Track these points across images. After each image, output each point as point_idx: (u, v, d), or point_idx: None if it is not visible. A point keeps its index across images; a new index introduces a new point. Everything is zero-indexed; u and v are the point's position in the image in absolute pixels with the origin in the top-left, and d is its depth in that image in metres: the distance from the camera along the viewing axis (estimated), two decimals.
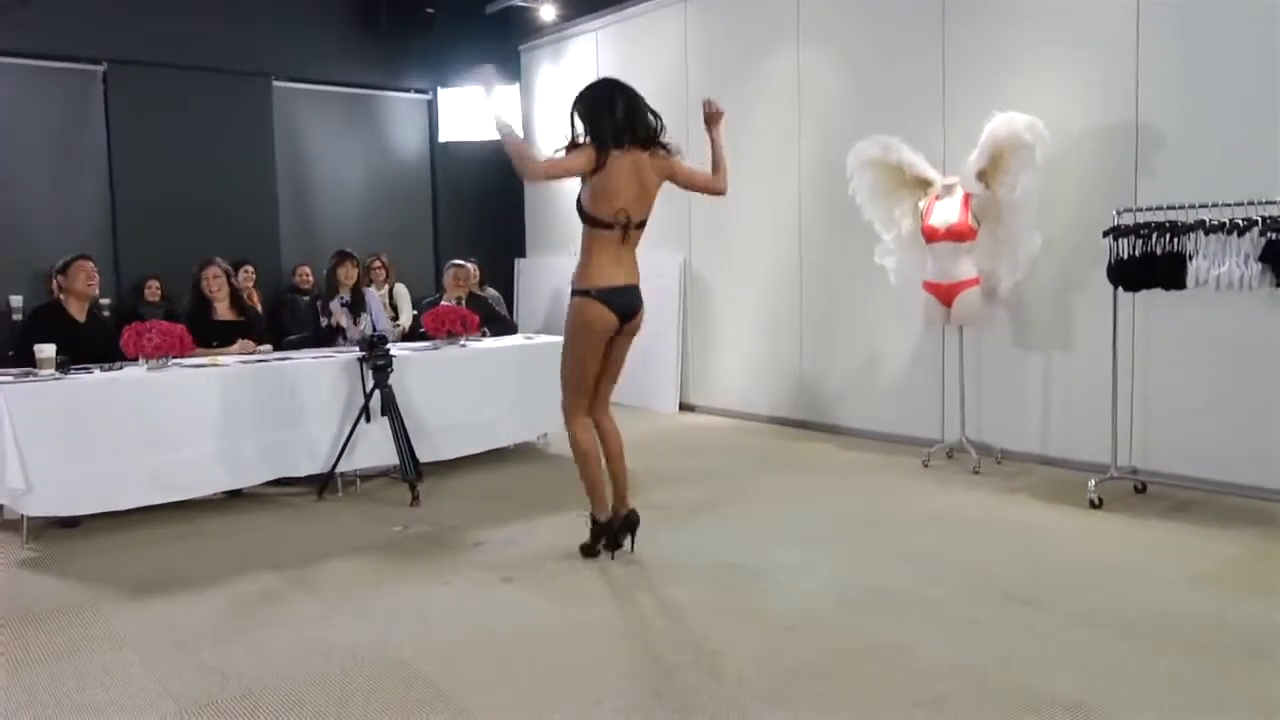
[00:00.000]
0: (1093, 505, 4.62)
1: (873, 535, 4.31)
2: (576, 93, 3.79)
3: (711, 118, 4.03)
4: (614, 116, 3.72)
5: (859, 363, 6.55)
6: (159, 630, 3.33)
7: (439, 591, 3.67)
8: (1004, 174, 5.24)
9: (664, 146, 3.82)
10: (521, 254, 9.54)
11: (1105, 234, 4.61)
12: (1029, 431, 5.59)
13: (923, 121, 5.90)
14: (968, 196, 5.37)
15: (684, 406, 7.82)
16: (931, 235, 5.43)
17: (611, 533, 3.96)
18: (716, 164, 4.02)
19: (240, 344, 5.57)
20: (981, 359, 5.75)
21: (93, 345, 5.10)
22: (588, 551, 4.00)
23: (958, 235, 5.35)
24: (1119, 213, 4.68)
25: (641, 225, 3.84)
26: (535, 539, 4.33)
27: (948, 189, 5.44)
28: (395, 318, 7.76)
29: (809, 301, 6.85)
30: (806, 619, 3.32)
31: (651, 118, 3.78)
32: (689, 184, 4.00)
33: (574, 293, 3.85)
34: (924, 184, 5.58)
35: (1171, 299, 4.66)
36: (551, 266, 9.19)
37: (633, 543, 3.99)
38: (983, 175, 5.34)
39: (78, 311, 5.20)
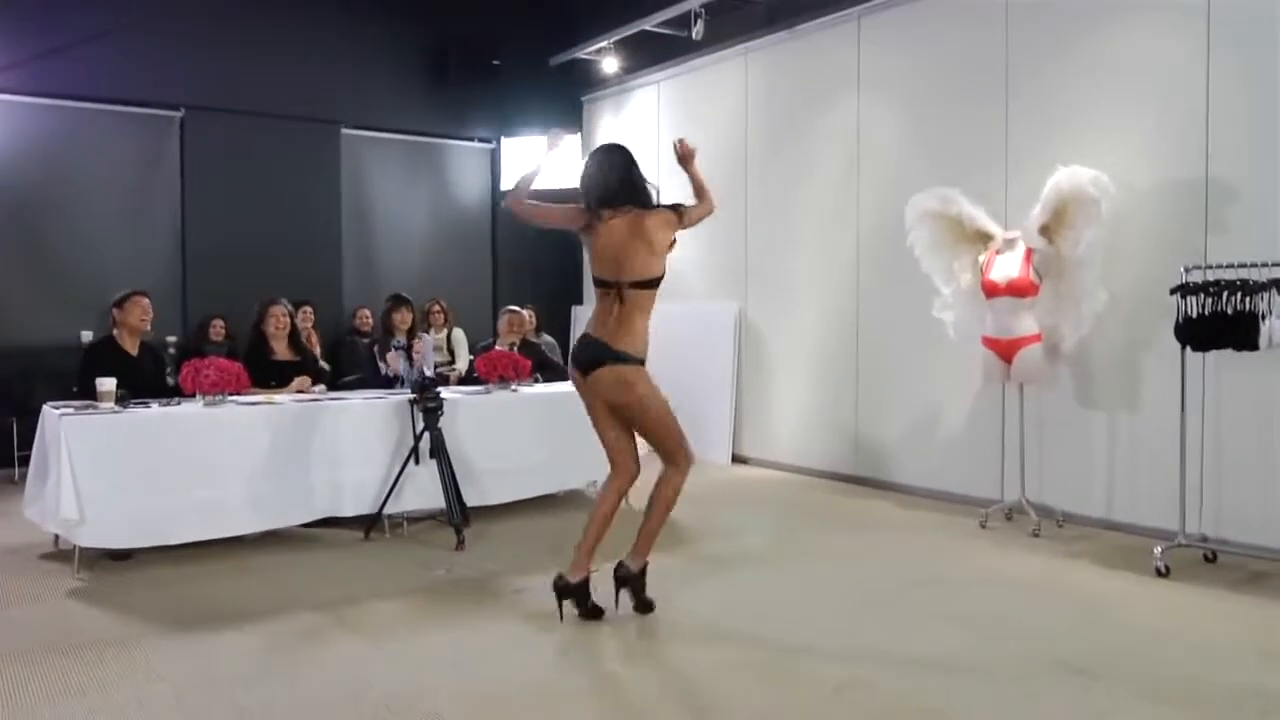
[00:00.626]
0: (1159, 573, 4.42)
1: (925, 597, 4.17)
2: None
3: (684, 157, 4.02)
4: (605, 181, 3.77)
5: (916, 419, 6.41)
6: (196, 666, 3.33)
7: (478, 639, 3.62)
8: (1068, 229, 5.13)
9: (669, 208, 3.84)
10: (578, 301, 9.58)
11: (1173, 291, 4.46)
12: (1092, 494, 5.40)
13: (985, 173, 5.82)
14: (1029, 251, 5.26)
15: (737, 459, 7.72)
16: (992, 290, 5.31)
17: (576, 595, 3.79)
18: (698, 190, 4.02)
19: (298, 382, 5.65)
20: (1043, 418, 5.58)
21: (143, 378, 5.21)
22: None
23: (1019, 290, 5.23)
24: (1187, 270, 4.54)
25: (640, 284, 3.74)
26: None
27: (1009, 243, 5.33)
28: (452, 362, 7.83)
29: (865, 354, 6.75)
30: (854, 682, 3.20)
31: (644, 184, 3.82)
32: (691, 223, 3.97)
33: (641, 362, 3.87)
34: (984, 237, 5.48)
35: (1243, 359, 4.48)
36: None
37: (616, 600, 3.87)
38: (1045, 230, 5.22)
39: (130, 345, 5.32)
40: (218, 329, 7.88)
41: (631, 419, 3.82)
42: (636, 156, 3.89)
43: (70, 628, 3.74)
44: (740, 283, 7.76)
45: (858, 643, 3.57)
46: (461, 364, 8.09)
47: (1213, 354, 4.57)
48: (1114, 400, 5.31)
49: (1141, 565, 4.54)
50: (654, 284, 3.77)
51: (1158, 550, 4.48)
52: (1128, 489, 5.24)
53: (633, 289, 3.72)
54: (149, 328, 5.41)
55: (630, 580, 3.86)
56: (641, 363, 3.78)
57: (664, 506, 3.86)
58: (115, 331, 5.34)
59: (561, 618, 3.75)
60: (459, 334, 8.27)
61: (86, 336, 7.35)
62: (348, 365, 7.54)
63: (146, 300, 5.36)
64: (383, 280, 8.73)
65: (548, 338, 8.22)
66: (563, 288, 9.40)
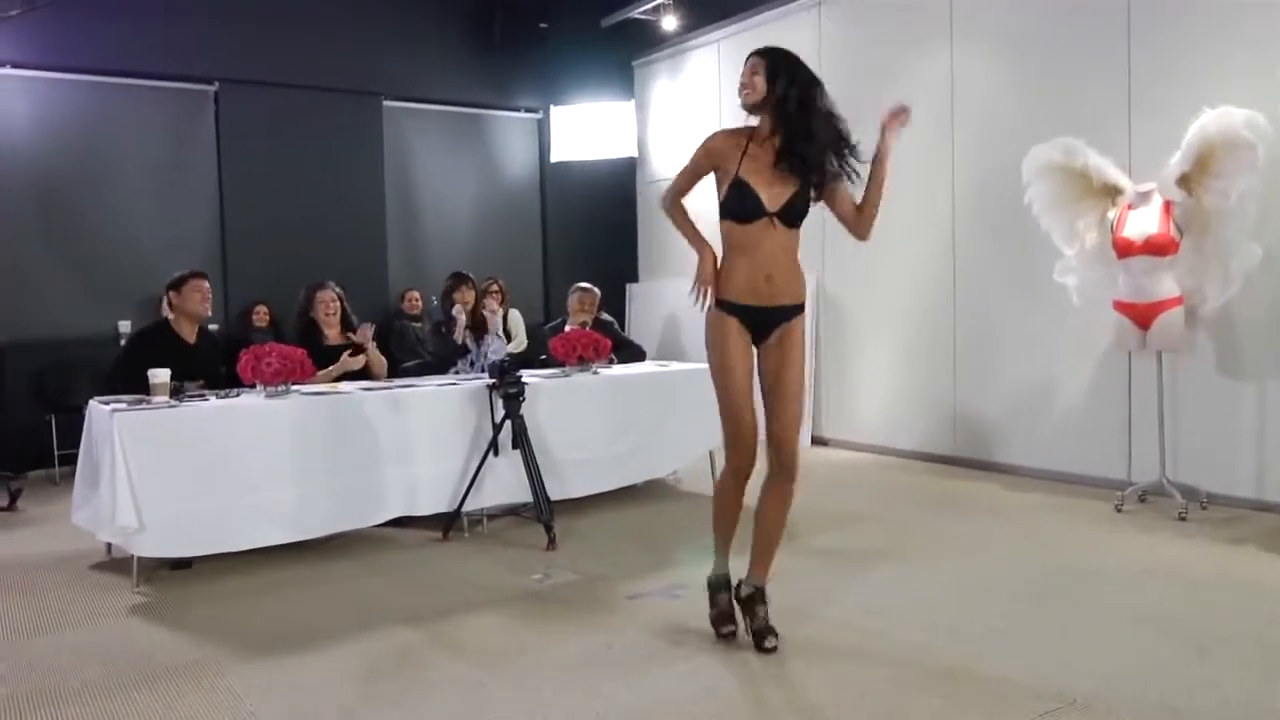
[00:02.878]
0: None
1: (1090, 593, 3.67)
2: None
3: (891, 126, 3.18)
4: None
5: (1024, 393, 5.89)
6: (288, 697, 2.88)
7: (601, 656, 3.16)
8: (1213, 178, 4.60)
9: None
10: (634, 279, 9.09)
11: None
12: (1239, 472, 4.88)
13: (1103, 123, 5.27)
14: (1168, 204, 4.73)
15: (816, 440, 7.23)
16: (1126, 249, 4.79)
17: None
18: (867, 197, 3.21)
19: (346, 359, 5.21)
20: (1178, 389, 5.06)
21: (203, 369, 4.76)
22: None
23: (1158, 248, 4.70)
24: None
25: None
26: (697, 593, 3.73)
27: (1143, 196, 4.80)
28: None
29: (963, 325, 6.23)
30: (1060, 700, 2.71)
31: None
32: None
33: (804, 305, 3.26)
34: (1113, 192, 4.95)
35: None
36: (665, 291, 8.71)
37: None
38: (1185, 180, 4.70)
39: (188, 333, 4.87)
40: (261, 315, 7.46)
41: None
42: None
43: (138, 653, 3.28)
44: (817, 251, 7.24)
45: (1043, 654, 3.07)
46: (519, 346, 7.63)
47: None
48: (1265, 368, 4.79)
49: None
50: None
51: None
52: None
53: None
54: (209, 312, 4.95)
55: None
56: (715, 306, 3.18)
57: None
58: (170, 317, 4.88)
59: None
60: (515, 314, 7.78)
61: (124, 327, 6.94)
62: (398, 350, 7.09)
63: (206, 283, 4.90)
64: (428, 260, 8.29)
65: (606, 316, 7.73)
66: (617, 265, 8.90)
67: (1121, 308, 4.87)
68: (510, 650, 3.23)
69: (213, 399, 4.36)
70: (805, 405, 3.26)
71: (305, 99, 7.67)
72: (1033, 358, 5.83)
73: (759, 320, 3.14)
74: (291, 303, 6.98)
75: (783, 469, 3.17)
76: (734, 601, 3.26)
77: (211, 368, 4.78)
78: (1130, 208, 4.84)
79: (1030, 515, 4.95)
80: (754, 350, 3.17)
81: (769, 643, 3.11)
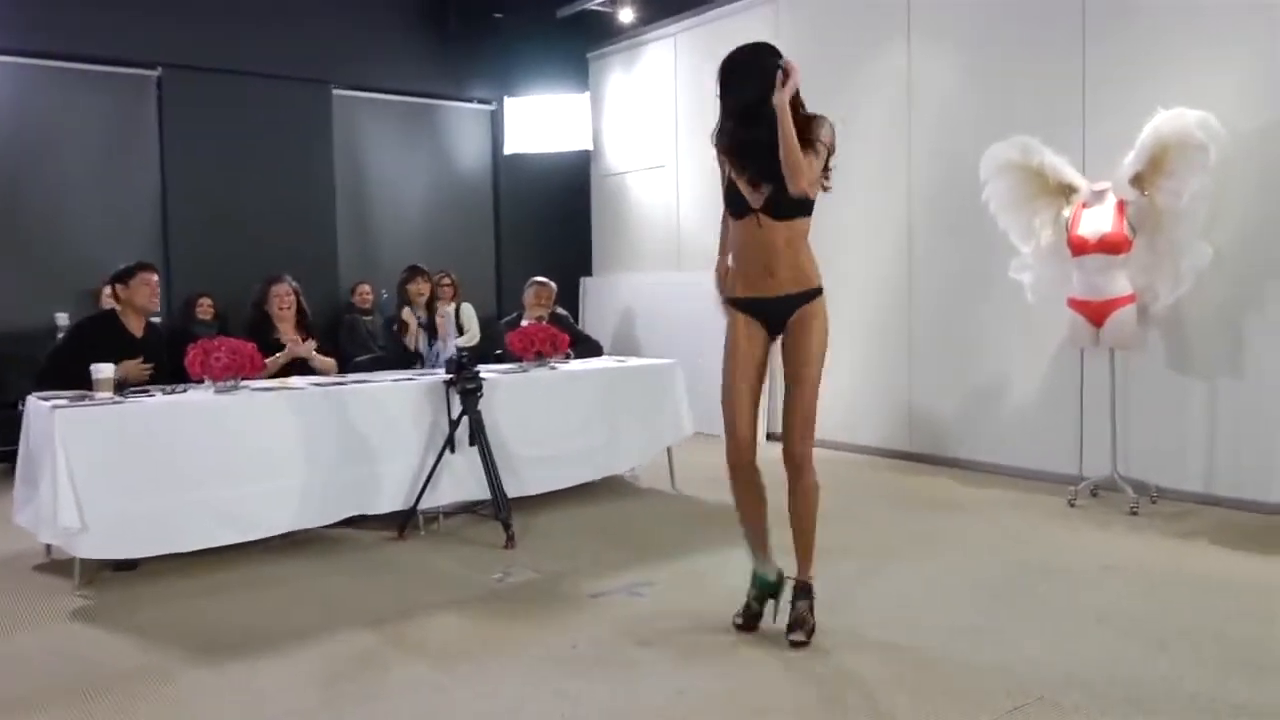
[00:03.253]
0: None
1: (1053, 590, 3.70)
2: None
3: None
4: None
5: (979, 389, 5.95)
6: (246, 704, 2.79)
7: (567, 657, 3.10)
8: (1165, 178, 4.67)
9: None
10: (588, 272, 9.02)
11: None
12: (1188, 467, 4.97)
13: (1059, 123, 5.32)
14: (1122, 203, 4.79)
15: (772, 436, 7.22)
16: (1080, 247, 4.85)
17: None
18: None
19: (292, 347, 5.08)
20: (1130, 385, 5.14)
21: (149, 363, 4.60)
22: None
23: (1111, 247, 4.77)
24: None
25: None
26: (661, 591, 3.76)
27: (1097, 195, 4.86)
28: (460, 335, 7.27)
29: (919, 322, 6.27)
30: (1028, 696, 2.72)
31: None
32: None
33: (820, 290, 3.18)
34: (1068, 190, 5.00)
35: None
36: (619, 285, 8.67)
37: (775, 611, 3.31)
38: (1138, 179, 4.76)
39: (135, 326, 4.70)
40: (205, 307, 7.27)
41: None
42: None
43: (84, 659, 3.15)
44: None
45: (1010, 650, 3.08)
46: (472, 340, 7.53)
47: None
48: (1213, 365, 4.88)
49: (1269, 544, 4.14)
50: None
51: None
52: (1231, 461, 4.82)
53: None
54: (158, 306, 4.79)
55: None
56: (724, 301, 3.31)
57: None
58: (117, 309, 4.70)
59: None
60: (468, 308, 7.70)
61: (62, 320, 6.69)
62: (348, 345, 6.95)
63: (155, 276, 4.73)
64: (380, 252, 8.14)
65: (561, 310, 7.67)
66: (571, 259, 8.81)
67: (1076, 305, 4.93)
68: (473, 651, 3.16)
69: (158, 394, 4.22)
70: (814, 407, 3.19)
71: (252, 86, 7.48)
72: (988, 354, 5.88)
73: (766, 312, 3.16)
74: (236, 295, 6.84)
75: (791, 468, 3.19)
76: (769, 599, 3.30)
77: (158, 362, 4.62)
78: (1085, 206, 4.89)
79: (989, 511, 4.99)
80: (768, 345, 3.24)
81: (794, 636, 3.11)
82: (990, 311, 5.79)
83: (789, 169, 2.97)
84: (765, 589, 3.30)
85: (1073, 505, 4.97)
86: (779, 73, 3.01)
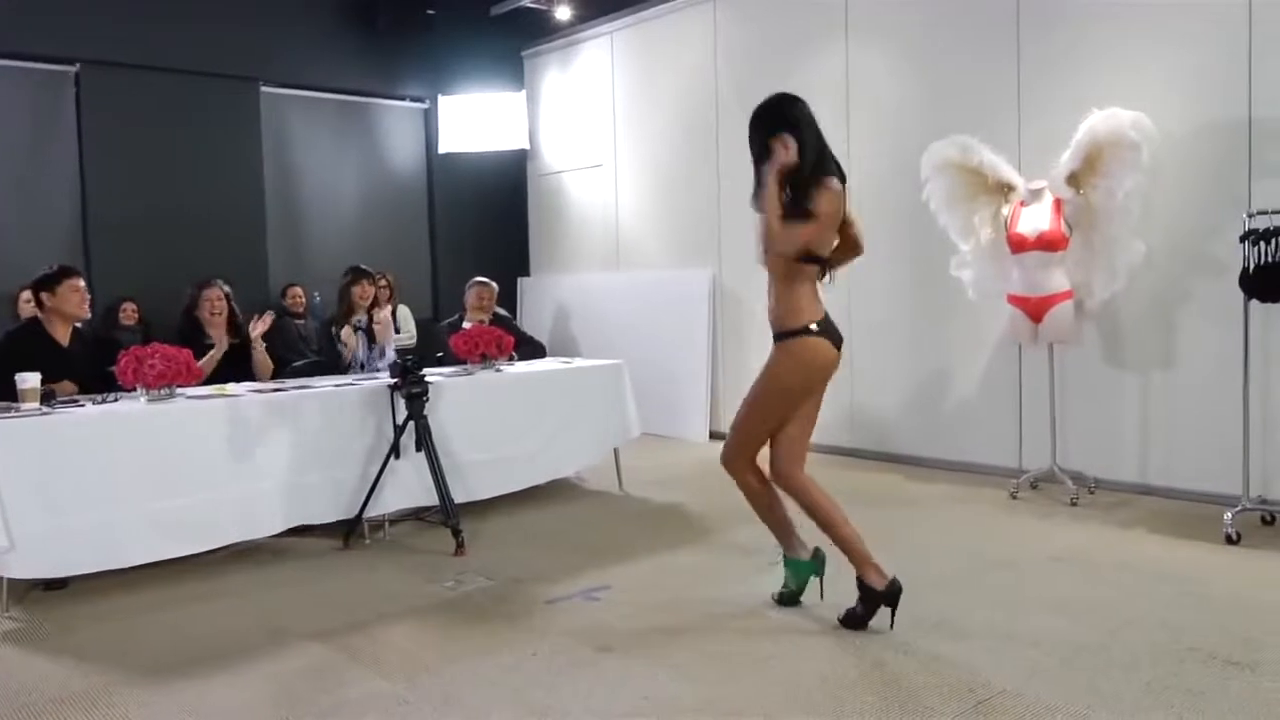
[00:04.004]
0: (1229, 540, 4.14)
1: (1005, 583, 3.76)
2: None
3: None
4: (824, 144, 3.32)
5: (919, 386, 6.03)
6: None
7: (529, 665, 3.04)
8: (1100, 177, 4.78)
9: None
10: (525, 273, 8.93)
11: (1243, 238, 4.15)
12: (1123, 459, 5.11)
13: (996, 122, 5.42)
14: (1059, 202, 4.90)
15: (715, 435, 7.24)
16: (1019, 244, 4.94)
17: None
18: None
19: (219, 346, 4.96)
20: (1066, 379, 5.26)
21: (78, 372, 4.42)
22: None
23: (1049, 244, 4.87)
24: (1250, 215, 4.23)
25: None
26: (617, 594, 3.72)
27: (1034, 194, 4.96)
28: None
29: (860, 318, 6.32)
30: (993, 691, 2.75)
31: None
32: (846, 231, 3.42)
33: (792, 333, 3.28)
34: (1006, 189, 5.10)
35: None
36: (558, 285, 8.60)
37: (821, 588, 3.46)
38: (1074, 178, 4.87)
39: (61, 335, 4.50)
40: (129, 313, 7.00)
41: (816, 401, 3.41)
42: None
43: (18, 685, 2.99)
44: (713, 248, 7.25)
45: (969, 644, 3.12)
46: (409, 343, 7.41)
47: (1255, 306, 4.25)
48: (1147, 359, 5.02)
49: (1203, 532, 4.27)
50: None
51: (1227, 516, 4.19)
52: (1165, 452, 4.97)
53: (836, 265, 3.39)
54: (88, 313, 4.59)
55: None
56: None
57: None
58: (41, 317, 4.49)
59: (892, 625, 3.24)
60: (404, 310, 7.57)
61: None
62: (281, 349, 6.74)
63: (82, 281, 4.53)
64: (312, 254, 7.94)
65: (503, 312, 7.58)
66: (508, 259, 8.70)
67: (1015, 301, 5.02)
68: (431, 663, 3.08)
69: (88, 404, 4.04)
70: (747, 425, 3.42)
71: (176, 83, 7.22)
72: (928, 351, 5.97)
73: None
74: (161, 300, 6.61)
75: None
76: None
77: (87, 371, 4.43)
78: (1023, 205, 4.99)
79: (934, 506, 5.06)
80: None
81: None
82: (931, 308, 5.87)
83: (758, 238, 3.24)
84: (803, 571, 3.45)
85: (1015, 498, 5.07)
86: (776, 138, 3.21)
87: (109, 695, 2.89)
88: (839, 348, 3.31)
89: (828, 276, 3.33)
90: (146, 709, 2.79)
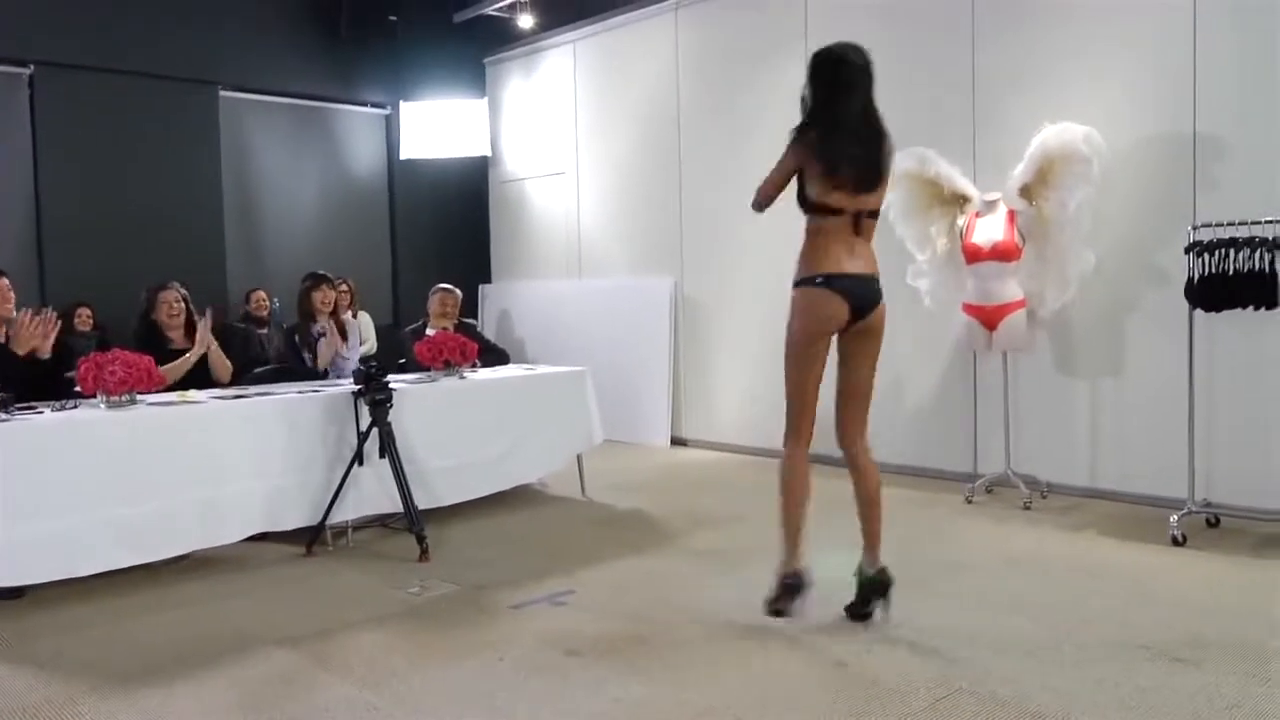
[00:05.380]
0: (1175, 542, 4.28)
1: (962, 584, 3.86)
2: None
3: None
4: (858, 102, 3.49)
5: (878, 392, 6.08)
6: None
7: (494, 670, 3.07)
8: (1052, 189, 4.92)
9: None
10: (487, 279, 8.93)
11: (1188, 250, 4.29)
12: (1075, 463, 5.24)
13: (950, 135, 5.55)
14: (1012, 213, 5.03)
15: (676, 441, 7.31)
16: (975, 255, 5.06)
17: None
18: None
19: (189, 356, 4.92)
20: (1019, 386, 5.39)
21: (41, 378, 4.36)
22: (775, 609, 3.33)
23: (1004, 254, 5.00)
24: (1195, 228, 4.38)
25: (874, 214, 3.48)
26: (583, 598, 3.75)
27: (989, 205, 5.09)
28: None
29: None
30: (950, 689, 2.83)
31: None
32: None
33: (795, 284, 3.40)
34: (962, 200, 5.22)
35: (1231, 320, 4.36)
36: (519, 291, 8.62)
37: (886, 609, 3.38)
38: (1026, 190, 5.00)
39: None
40: (84, 318, 6.91)
41: (866, 366, 3.55)
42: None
43: None
44: (675, 256, 7.32)
45: (927, 644, 3.20)
46: (369, 350, 7.37)
47: (1199, 315, 4.41)
48: (1096, 366, 5.16)
49: (1150, 534, 4.40)
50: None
51: (1173, 519, 4.33)
52: (1114, 457, 5.11)
53: (869, 218, 3.40)
54: (13, 314, 4.49)
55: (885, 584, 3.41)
56: None
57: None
58: None
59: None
60: (365, 317, 7.54)
61: None
62: (240, 356, 6.70)
63: (5, 280, 4.46)
64: (269, 260, 7.90)
65: (467, 320, 7.58)
66: (470, 266, 8.72)
67: (970, 310, 5.14)
68: (399, 669, 3.09)
69: (47, 411, 4.00)
70: (786, 393, 3.54)
71: (132, 85, 7.16)
72: (884, 358, 5.97)
73: None
74: (117, 304, 6.54)
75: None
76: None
77: (45, 377, 4.37)
78: (978, 216, 5.11)
79: (891, 510, 5.04)
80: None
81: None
82: (888, 316, 5.95)
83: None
84: (864, 583, 3.42)
85: (970, 502, 5.18)
86: None
87: (73, 704, 2.87)
88: (856, 305, 3.34)
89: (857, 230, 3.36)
90: (110, 718, 2.77)
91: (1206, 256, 4.24)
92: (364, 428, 4.47)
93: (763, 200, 3.43)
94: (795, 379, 3.44)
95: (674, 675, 2.99)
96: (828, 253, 3.32)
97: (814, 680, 2.93)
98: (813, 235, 3.38)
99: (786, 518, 3.41)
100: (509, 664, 3.11)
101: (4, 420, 3.78)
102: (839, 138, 3.28)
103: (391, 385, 4.55)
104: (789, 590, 3.28)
